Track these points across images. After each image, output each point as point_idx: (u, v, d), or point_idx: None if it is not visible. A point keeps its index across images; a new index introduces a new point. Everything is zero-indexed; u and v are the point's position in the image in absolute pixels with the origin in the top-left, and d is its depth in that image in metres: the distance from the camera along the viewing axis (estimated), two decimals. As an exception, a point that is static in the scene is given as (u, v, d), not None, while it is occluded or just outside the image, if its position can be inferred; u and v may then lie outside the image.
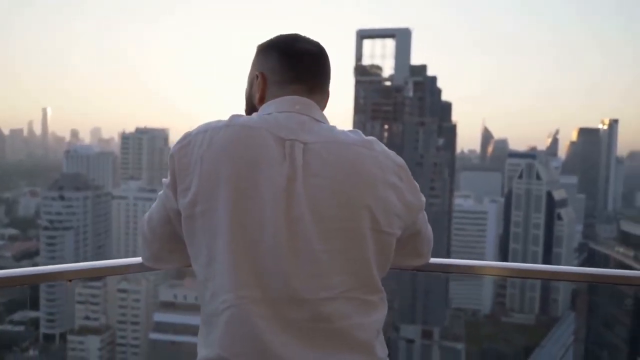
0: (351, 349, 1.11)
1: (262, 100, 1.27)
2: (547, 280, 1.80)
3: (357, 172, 1.15)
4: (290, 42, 1.29)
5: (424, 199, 1.26)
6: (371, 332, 1.15)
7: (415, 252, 1.36)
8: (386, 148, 1.22)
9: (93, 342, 54.38)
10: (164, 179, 1.24)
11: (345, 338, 1.11)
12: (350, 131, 1.23)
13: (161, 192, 1.26)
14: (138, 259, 1.47)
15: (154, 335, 55.38)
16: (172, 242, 1.28)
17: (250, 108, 1.32)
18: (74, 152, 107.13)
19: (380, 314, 1.17)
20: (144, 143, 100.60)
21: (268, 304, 1.09)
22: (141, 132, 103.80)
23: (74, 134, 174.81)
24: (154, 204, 1.30)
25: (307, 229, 1.11)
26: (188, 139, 1.19)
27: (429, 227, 1.36)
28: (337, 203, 1.13)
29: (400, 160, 1.22)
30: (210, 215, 1.13)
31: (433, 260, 1.49)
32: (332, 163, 1.15)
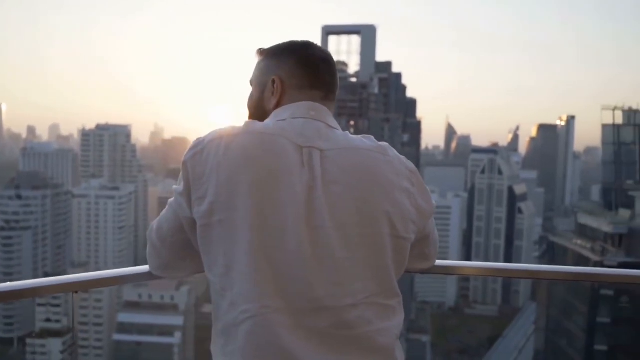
0: (373, 354, 1.12)
1: (278, 105, 1.26)
2: (530, 279, 1.83)
3: (374, 178, 1.16)
4: (307, 48, 1.29)
5: (435, 204, 1.27)
6: (391, 337, 1.15)
7: (423, 255, 1.36)
8: (397, 153, 1.23)
9: (55, 345, 52.86)
10: (174, 186, 1.22)
11: (366, 344, 1.11)
12: (363, 137, 1.24)
13: (172, 199, 1.24)
14: (145, 268, 1.44)
15: (118, 336, 54.32)
16: (182, 250, 1.26)
17: (261, 113, 1.29)
18: (31, 149, 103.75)
19: (399, 319, 1.18)
20: (105, 140, 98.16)
21: (291, 313, 1.08)
22: (102, 129, 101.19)
23: (31, 130, 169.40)
24: (164, 212, 1.27)
25: (329, 236, 1.10)
26: (201, 146, 1.17)
27: (436, 231, 1.37)
28: (356, 210, 1.13)
29: (411, 165, 1.23)
30: (229, 224, 1.11)
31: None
32: (350, 170, 1.15)
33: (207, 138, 1.18)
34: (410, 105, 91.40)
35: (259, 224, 1.09)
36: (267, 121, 1.23)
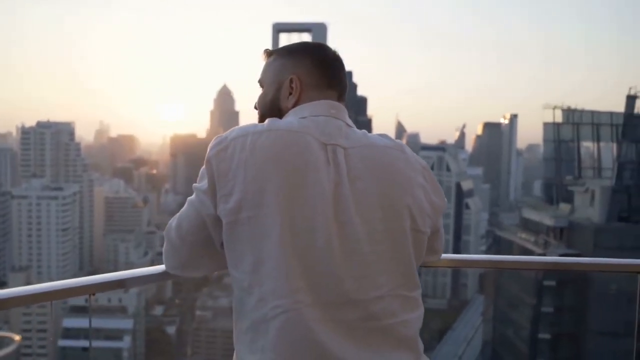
0: (398, 345, 1.15)
1: (297, 104, 1.27)
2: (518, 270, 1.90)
3: (394, 174, 1.21)
4: (320, 49, 1.33)
5: (446, 200, 1.31)
6: (414, 328, 1.19)
7: (432, 249, 1.40)
8: (412, 151, 1.28)
9: (-6, 354, 50.23)
10: (195, 184, 1.21)
11: (392, 335, 1.15)
12: (380, 135, 1.28)
13: (192, 197, 1.23)
14: (160, 268, 1.41)
15: (64, 342, 52.20)
16: (201, 249, 1.26)
17: (275, 113, 1.29)
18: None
19: (421, 310, 1.22)
20: (47, 138, 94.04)
21: (321, 307, 1.11)
22: (43, 126, 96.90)
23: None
24: (184, 210, 1.26)
25: (357, 231, 1.14)
26: (225, 143, 1.18)
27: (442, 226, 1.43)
28: (381, 205, 1.17)
29: (424, 162, 1.29)
30: (258, 221, 1.12)
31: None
32: (373, 167, 1.19)
33: (231, 135, 1.19)
34: (361, 103, 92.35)
35: (288, 220, 1.12)
36: (289, 119, 1.24)
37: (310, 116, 1.23)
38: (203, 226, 1.21)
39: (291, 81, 1.27)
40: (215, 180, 1.16)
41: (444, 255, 1.87)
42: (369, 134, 1.26)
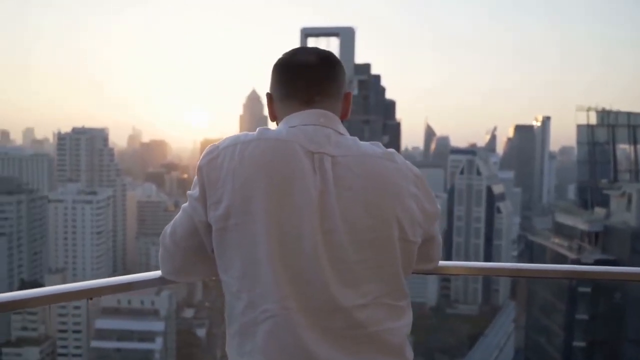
0: (384, 353, 1.17)
1: (275, 119, 1.33)
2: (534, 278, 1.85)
3: (384, 184, 1.20)
4: (289, 57, 1.31)
5: (439, 207, 1.31)
6: (401, 336, 1.21)
7: (428, 257, 1.39)
8: (404, 159, 1.27)
9: (32, 354, 51.77)
10: (189, 192, 1.25)
11: (378, 342, 1.16)
12: (371, 143, 1.27)
13: (185, 204, 1.26)
14: (157, 273, 1.45)
15: (97, 343, 53.39)
16: (195, 255, 1.28)
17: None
18: (5, 154, 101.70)
19: (408, 319, 1.23)
20: (82, 143, 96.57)
21: (308, 313, 1.12)
22: (79, 132, 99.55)
23: (4, 134, 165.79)
24: (177, 217, 1.29)
25: (342, 240, 1.15)
26: (216, 152, 1.21)
27: (440, 234, 1.41)
28: (368, 215, 1.17)
29: (417, 170, 1.27)
30: (246, 227, 1.15)
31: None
32: (361, 176, 1.19)
33: (222, 145, 1.22)
34: (390, 106, 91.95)
35: (275, 227, 1.14)
36: (279, 127, 1.27)
37: (299, 125, 1.24)
38: (196, 232, 1.24)
39: (267, 97, 1.35)
40: (205, 187, 1.19)
41: (459, 263, 1.84)
42: (360, 143, 1.26)
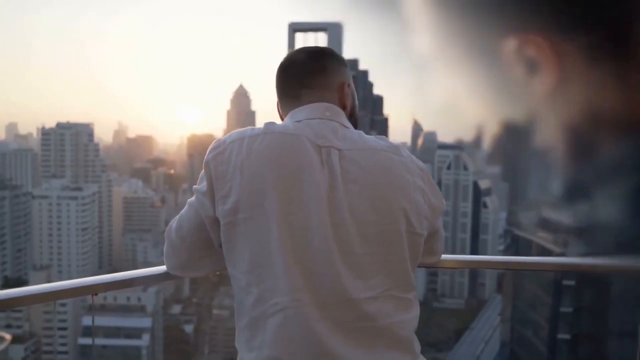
0: (393, 346, 1.17)
1: (282, 119, 1.37)
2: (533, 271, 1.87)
3: (390, 177, 1.22)
4: (284, 58, 1.37)
5: (444, 201, 1.32)
6: (410, 329, 1.21)
7: (431, 250, 1.40)
8: (409, 152, 1.30)
9: (16, 352, 51.19)
10: (195, 187, 1.25)
11: (388, 335, 1.17)
12: (377, 137, 1.29)
13: (191, 199, 1.27)
14: (162, 268, 1.45)
15: (84, 340, 52.96)
16: (201, 250, 1.29)
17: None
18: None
19: (416, 311, 1.24)
20: (66, 139, 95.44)
21: (319, 306, 1.13)
22: (63, 127, 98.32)
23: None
24: (184, 212, 1.30)
25: (349, 233, 1.16)
26: (223, 147, 1.22)
27: (442, 228, 1.42)
28: (375, 208, 1.18)
29: (422, 164, 1.29)
30: (255, 221, 1.15)
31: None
32: (368, 169, 1.20)
33: (229, 139, 1.23)
34: (377, 102, 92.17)
35: (285, 221, 1.14)
36: (285, 122, 1.29)
37: (305, 119, 1.26)
38: (202, 227, 1.24)
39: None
40: (213, 182, 1.19)
41: (453, 257, 1.83)
42: (366, 136, 1.27)
